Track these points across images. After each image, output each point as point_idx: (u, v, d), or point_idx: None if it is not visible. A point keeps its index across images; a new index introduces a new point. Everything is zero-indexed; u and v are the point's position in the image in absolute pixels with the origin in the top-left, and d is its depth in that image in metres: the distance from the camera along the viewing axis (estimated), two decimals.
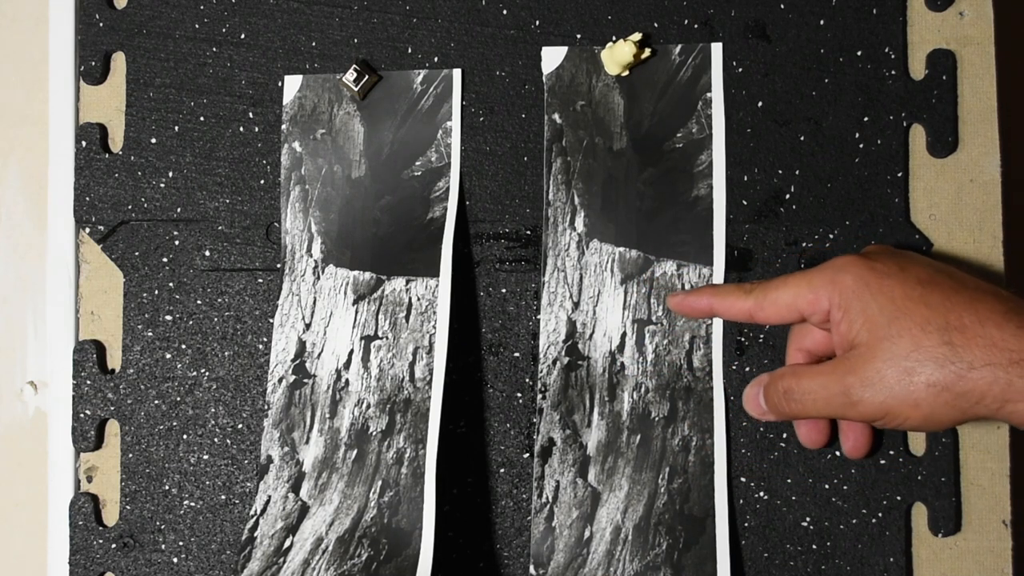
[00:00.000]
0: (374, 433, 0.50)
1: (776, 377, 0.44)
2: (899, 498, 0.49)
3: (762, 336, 0.50)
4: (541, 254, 0.51)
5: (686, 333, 0.50)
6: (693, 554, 0.48)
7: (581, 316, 0.50)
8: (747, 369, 0.50)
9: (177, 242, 0.53)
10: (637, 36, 0.50)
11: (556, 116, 0.52)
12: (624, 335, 0.50)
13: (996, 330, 0.38)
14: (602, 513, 0.49)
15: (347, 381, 0.50)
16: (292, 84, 0.53)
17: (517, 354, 0.51)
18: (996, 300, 0.39)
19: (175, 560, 0.51)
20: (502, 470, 0.51)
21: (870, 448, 0.47)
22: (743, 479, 0.49)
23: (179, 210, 0.53)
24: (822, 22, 0.51)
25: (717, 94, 0.51)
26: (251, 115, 0.53)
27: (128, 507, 0.52)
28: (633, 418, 0.49)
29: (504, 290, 0.51)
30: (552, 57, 0.52)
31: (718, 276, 0.50)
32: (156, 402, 0.52)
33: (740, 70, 0.51)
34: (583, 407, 0.50)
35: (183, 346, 0.52)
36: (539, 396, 0.50)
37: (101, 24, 0.54)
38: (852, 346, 0.41)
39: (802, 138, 0.51)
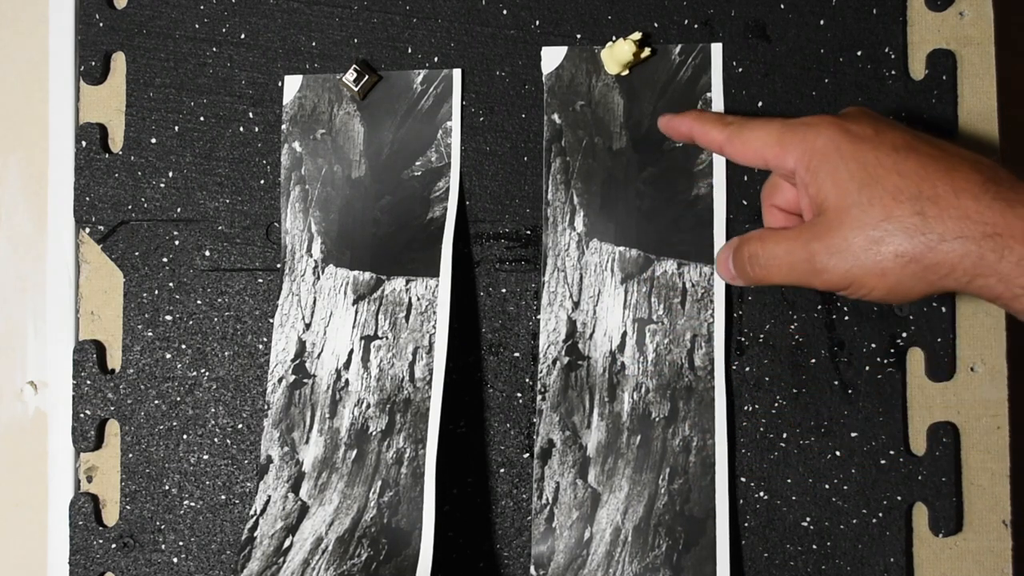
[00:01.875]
0: (374, 433, 0.50)
1: (744, 241, 0.43)
2: (899, 498, 0.49)
3: (762, 336, 0.50)
4: (541, 254, 0.51)
5: (687, 332, 0.50)
6: (693, 555, 0.48)
7: (581, 316, 0.50)
8: (747, 369, 0.50)
9: (177, 242, 0.53)
10: (637, 35, 0.50)
11: (556, 116, 0.52)
12: (624, 335, 0.50)
13: (971, 201, 0.37)
14: (602, 514, 0.49)
15: (347, 381, 0.50)
16: (292, 84, 0.53)
17: (517, 354, 0.51)
18: (973, 169, 0.38)
19: (175, 560, 0.51)
20: (502, 470, 0.51)
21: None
22: (743, 479, 0.49)
23: (179, 210, 0.53)
24: (822, 22, 0.51)
25: (717, 94, 0.51)
26: (251, 115, 0.53)
27: (128, 507, 0.52)
28: (633, 419, 0.49)
29: (504, 290, 0.51)
30: (552, 57, 0.52)
31: (718, 276, 0.50)
32: (156, 402, 0.52)
33: (740, 70, 0.51)
34: (583, 408, 0.50)
35: (183, 346, 0.52)
36: (539, 397, 0.50)
37: (101, 24, 0.54)
38: (820, 211, 0.39)
39: None
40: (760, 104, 0.51)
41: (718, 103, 0.51)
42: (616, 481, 0.49)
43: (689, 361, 0.50)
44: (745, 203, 0.51)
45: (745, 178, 0.51)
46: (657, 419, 0.49)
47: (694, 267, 0.50)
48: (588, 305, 0.50)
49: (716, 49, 0.51)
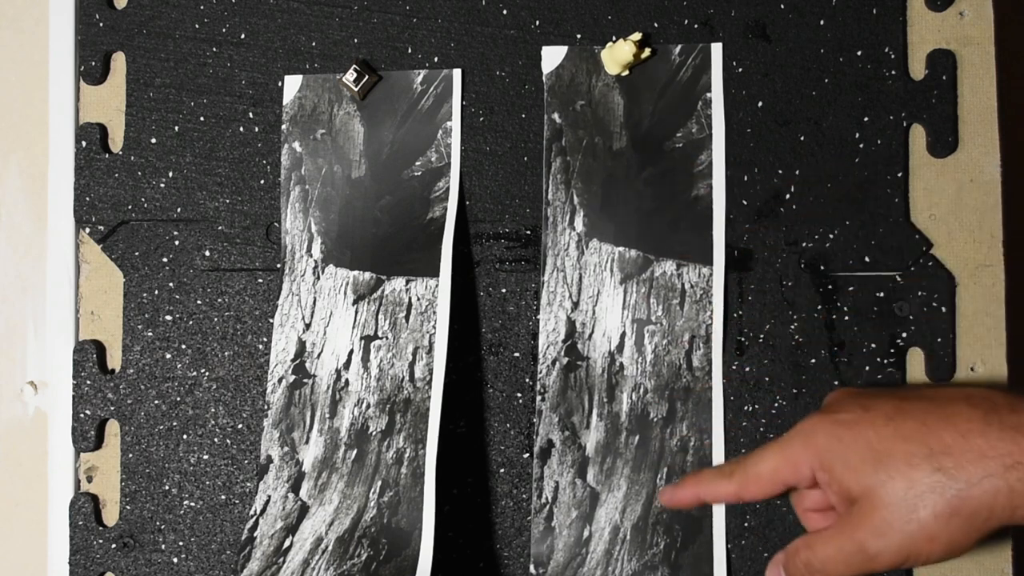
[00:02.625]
0: (374, 433, 0.50)
1: (792, 554, 0.42)
2: None
3: (762, 336, 0.50)
4: (540, 254, 0.51)
5: (686, 333, 0.50)
6: (690, 553, 0.48)
7: (580, 316, 0.50)
8: (747, 369, 0.50)
9: (177, 242, 0.53)
10: (637, 36, 0.50)
11: (556, 115, 0.52)
12: (623, 335, 0.50)
13: (981, 440, 0.37)
14: (601, 513, 0.49)
15: (347, 381, 0.50)
16: (292, 84, 0.53)
17: (517, 354, 0.51)
18: (971, 408, 0.38)
19: (175, 560, 0.51)
20: (502, 470, 0.51)
21: None
22: None
23: (179, 210, 0.53)
24: (822, 22, 0.51)
25: (717, 94, 0.51)
26: (251, 115, 0.53)
27: (128, 507, 0.52)
28: (632, 419, 0.49)
29: (504, 290, 0.51)
30: (552, 57, 0.52)
31: (718, 275, 0.50)
32: (156, 402, 0.52)
33: (740, 70, 0.51)
34: (582, 408, 0.50)
35: (183, 346, 0.52)
36: (538, 397, 0.50)
37: (101, 24, 0.54)
38: (850, 502, 0.40)
39: (802, 138, 0.51)
40: (760, 104, 0.51)
41: (718, 103, 0.51)
42: (615, 480, 0.49)
43: (687, 362, 0.50)
44: (745, 203, 0.51)
45: (745, 178, 0.51)
46: (655, 419, 0.49)
47: (693, 268, 0.50)
48: (587, 305, 0.50)
49: (716, 49, 0.51)
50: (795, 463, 0.41)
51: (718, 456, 0.49)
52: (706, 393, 0.49)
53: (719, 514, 0.48)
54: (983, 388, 0.40)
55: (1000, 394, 0.39)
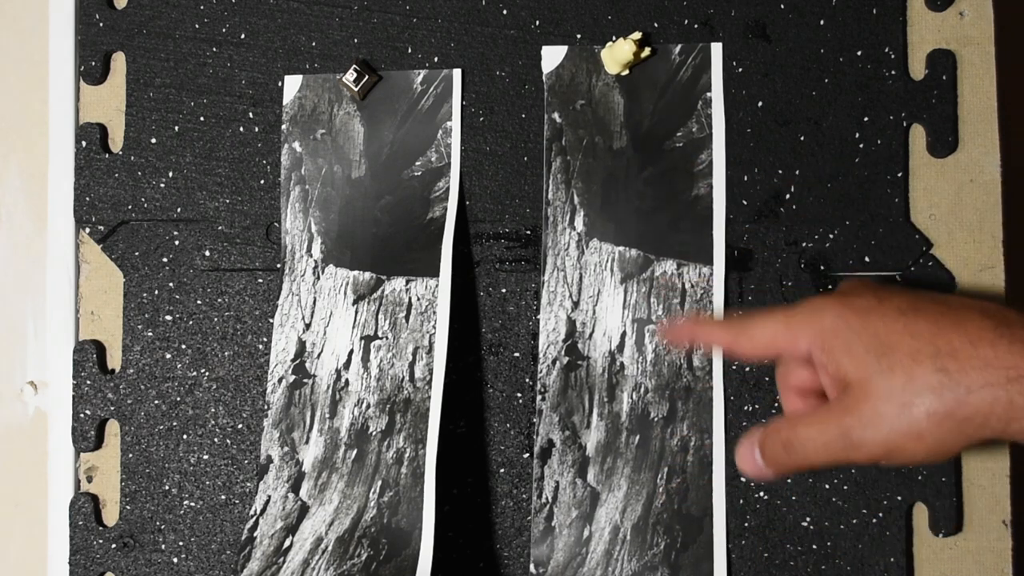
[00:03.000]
0: (374, 433, 0.50)
1: (771, 431, 0.42)
2: (899, 498, 0.49)
3: None
4: (541, 253, 0.51)
5: None
6: (690, 554, 0.48)
7: (581, 315, 0.50)
8: (747, 369, 0.50)
9: (177, 242, 0.53)
10: (637, 35, 0.50)
11: (556, 115, 0.52)
12: (624, 334, 0.50)
13: (989, 349, 0.37)
14: (601, 513, 0.49)
15: (347, 381, 0.50)
16: (292, 84, 0.53)
17: (517, 354, 0.51)
18: (984, 317, 0.38)
19: (175, 560, 0.51)
20: (502, 470, 0.51)
21: None
22: (743, 479, 0.49)
23: (179, 210, 0.53)
24: (822, 22, 0.51)
25: (717, 94, 0.51)
26: (251, 115, 0.53)
27: (128, 507, 0.52)
28: (632, 418, 0.49)
29: (504, 290, 0.51)
30: (552, 56, 0.52)
31: (718, 275, 0.50)
32: (156, 402, 0.52)
33: (740, 70, 0.51)
34: (582, 408, 0.50)
35: (183, 346, 0.52)
36: (538, 397, 0.50)
37: (101, 24, 0.54)
38: (844, 387, 0.40)
39: (802, 138, 0.51)
40: (760, 104, 0.51)
41: (718, 103, 0.51)
42: (615, 480, 0.49)
43: (688, 361, 0.50)
44: (745, 203, 0.51)
45: (745, 178, 0.51)
46: (656, 419, 0.49)
47: (693, 267, 0.50)
48: (588, 305, 0.50)
49: (716, 49, 0.51)
50: (795, 335, 0.41)
51: (719, 456, 0.49)
52: (707, 393, 0.49)
53: (719, 514, 0.48)
54: (997, 304, 0.39)
55: (1015, 312, 0.39)
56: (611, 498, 0.49)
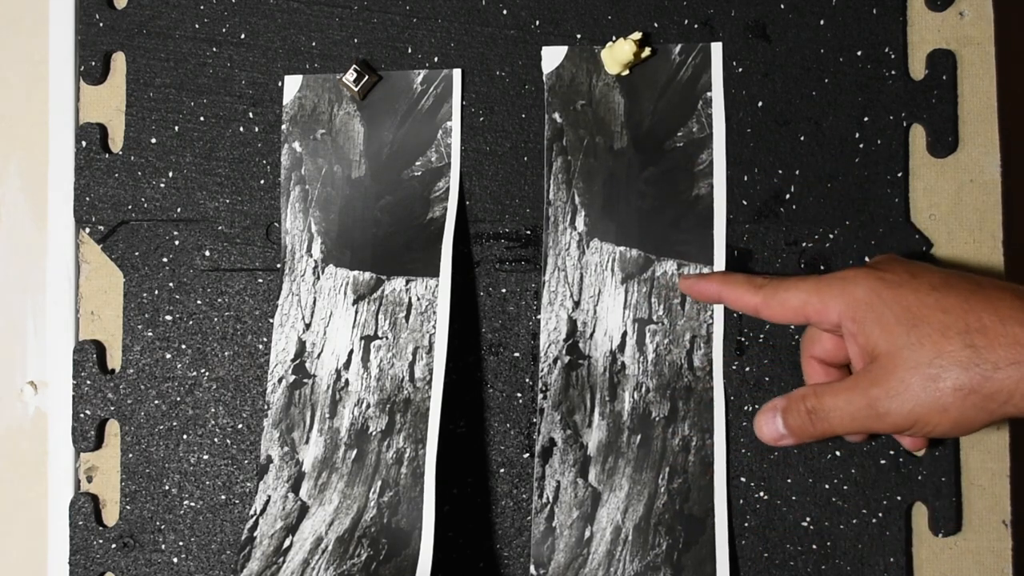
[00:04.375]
0: (374, 433, 0.50)
1: (796, 399, 0.43)
2: (899, 498, 0.49)
3: (762, 336, 0.50)
4: (542, 253, 0.51)
5: (687, 332, 0.50)
6: (693, 554, 0.48)
7: (582, 315, 0.50)
8: (747, 369, 0.50)
9: (177, 242, 0.53)
10: (637, 35, 0.50)
11: (556, 115, 0.52)
12: (625, 334, 0.50)
13: (1019, 327, 0.38)
14: (602, 513, 0.49)
15: (347, 381, 0.50)
16: (292, 84, 0.53)
17: (517, 354, 0.51)
18: (1015, 298, 0.39)
19: (175, 560, 0.51)
20: (502, 470, 0.51)
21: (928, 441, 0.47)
22: (743, 479, 0.49)
23: (179, 210, 0.53)
24: (822, 22, 0.51)
25: (717, 93, 0.51)
26: (251, 115, 0.53)
27: (128, 507, 0.52)
28: (634, 418, 0.49)
29: (504, 290, 0.51)
30: (552, 57, 0.52)
31: None
32: (156, 402, 0.52)
33: (740, 70, 0.51)
34: (584, 407, 0.50)
35: (183, 346, 0.52)
36: (540, 396, 0.50)
37: (101, 24, 0.54)
38: (872, 358, 0.40)
39: (802, 138, 0.51)
40: (760, 104, 0.51)
41: (718, 102, 0.51)
42: (616, 480, 0.49)
43: (689, 361, 0.50)
44: (745, 203, 0.51)
45: (745, 178, 0.51)
46: (657, 419, 0.49)
47: (694, 268, 0.50)
48: (589, 305, 0.50)
49: (716, 48, 0.51)
50: (826, 304, 0.42)
51: (720, 456, 0.49)
52: (707, 393, 0.49)
53: (721, 514, 0.48)
54: None
55: None
56: (612, 498, 0.49)
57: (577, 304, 0.50)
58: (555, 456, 0.49)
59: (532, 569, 0.49)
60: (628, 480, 0.49)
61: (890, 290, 0.40)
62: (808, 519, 0.49)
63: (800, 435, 0.43)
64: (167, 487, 0.52)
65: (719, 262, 0.50)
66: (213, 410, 0.52)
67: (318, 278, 0.52)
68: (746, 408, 0.50)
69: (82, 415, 0.52)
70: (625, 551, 0.48)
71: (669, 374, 0.50)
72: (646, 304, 0.50)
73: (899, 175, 0.50)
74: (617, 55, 0.50)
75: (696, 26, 0.52)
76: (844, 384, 0.41)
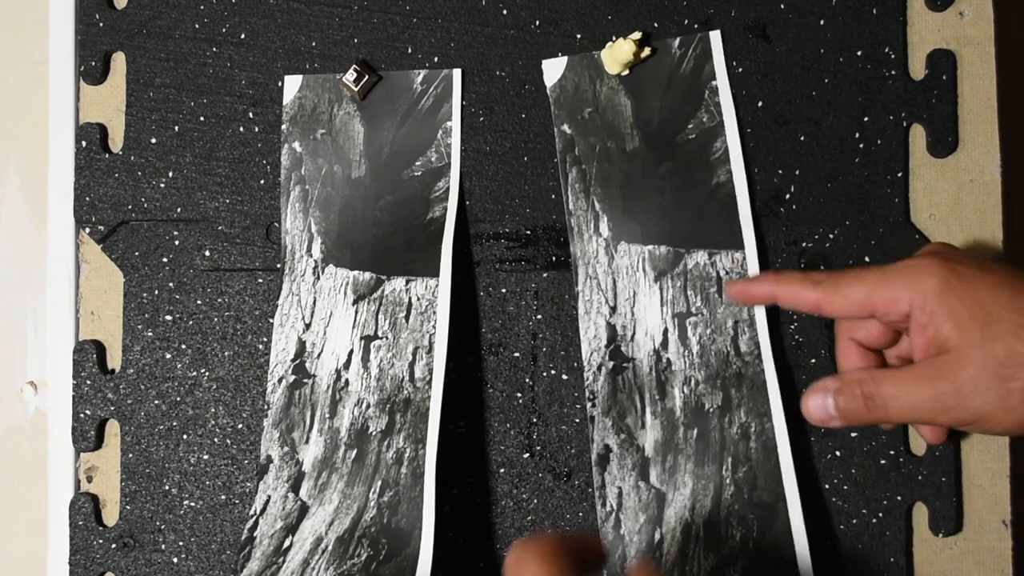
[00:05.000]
0: (374, 433, 0.49)
1: (852, 383, 0.42)
2: (899, 498, 0.49)
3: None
4: (572, 264, 0.50)
5: (728, 319, 0.49)
6: (769, 540, 0.47)
7: (620, 319, 0.50)
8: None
9: (177, 242, 0.53)
10: (637, 35, 0.50)
11: (565, 127, 0.51)
12: (666, 331, 0.49)
13: None
14: (670, 513, 0.48)
15: (347, 381, 0.50)
16: (292, 84, 0.53)
17: (517, 354, 0.51)
18: None
19: (175, 560, 0.51)
20: (502, 470, 0.51)
21: (949, 432, 0.47)
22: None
23: (179, 210, 0.53)
24: (822, 22, 0.51)
25: (722, 81, 0.51)
26: (251, 115, 0.53)
27: (128, 507, 0.52)
28: (687, 413, 0.49)
29: (504, 290, 0.51)
30: (553, 69, 0.52)
31: (751, 259, 0.49)
32: (156, 402, 0.52)
33: (740, 70, 0.51)
34: (635, 409, 0.49)
35: (183, 346, 0.52)
36: (588, 404, 0.49)
37: (101, 24, 0.54)
38: (940, 351, 0.40)
39: (802, 138, 0.51)
40: (760, 104, 0.51)
41: (724, 90, 0.51)
42: (679, 478, 0.48)
43: (735, 348, 0.49)
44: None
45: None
46: (711, 410, 0.49)
47: (725, 255, 0.49)
48: (625, 308, 0.50)
49: (715, 37, 0.51)
50: (895, 296, 0.41)
51: (782, 438, 0.48)
52: (759, 376, 0.48)
53: (793, 496, 0.47)
54: None
55: None
56: (678, 497, 0.48)
57: (614, 309, 0.50)
58: (612, 463, 0.49)
59: None
60: (691, 476, 0.48)
61: (963, 283, 0.40)
62: (808, 519, 0.49)
63: (851, 419, 0.42)
64: (167, 487, 0.52)
65: (750, 245, 0.49)
66: (213, 410, 0.52)
67: (318, 278, 0.52)
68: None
69: (82, 415, 0.52)
70: (699, 548, 0.47)
71: (717, 363, 0.49)
72: (683, 298, 0.49)
73: (899, 175, 0.50)
74: (617, 55, 0.50)
75: (696, 26, 0.52)
76: (907, 373, 0.41)
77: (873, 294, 0.41)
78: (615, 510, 0.48)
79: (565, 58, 0.52)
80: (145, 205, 0.53)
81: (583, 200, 0.51)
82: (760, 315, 0.49)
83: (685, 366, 0.49)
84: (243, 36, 0.53)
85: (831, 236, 0.50)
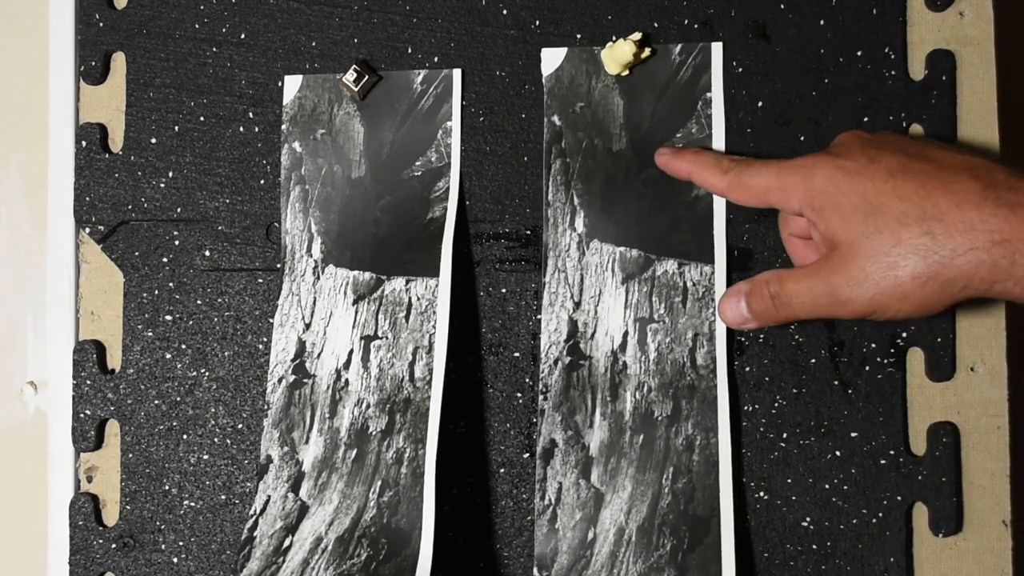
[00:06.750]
0: (374, 433, 0.50)
1: (760, 284, 0.44)
2: (899, 498, 0.49)
3: (762, 336, 0.50)
4: (542, 255, 0.51)
5: (689, 331, 0.50)
6: (698, 555, 0.48)
7: (582, 316, 0.50)
8: (747, 368, 0.50)
9: (177, 242, 0.53)
10: (637, 36, 0.50)
11: (555, 118, 0.52)
12: (626, 334, 0.50)
13: (975, 212, 0.38)
14: (605, 514, 0.49)
15: (347, 381, 0.50)
16: (292, 84, 0.53)
17: (517, 354, 0.51)
18: (971, 178, 0.39)
19: (175, 560, 0.51)
20: (502, 470, 0.51)
21: None
22: (744, 479, 0.49)
23: (179, 210, 0.53)
24: (822, 22, 0.51)
25: (717, 94, 0.51)
26: (251, 115, 0.53)
27: (128, 507, 0.52)
28: (636, 418, 0.49)
29: (504, 290, 0.51)
30: (552, 59, 0.52)
31: (720, 274, 0.50)
32: (156, 402, 0.52)
33: (740, 70, 0.51)
34: (585, 407, 0.50)
35: (183, 346, 0.52)
36: (540, 397, 0.50)
37: (101, 24, 0.54)
38: (832, 246, 0.41)
39: (802, 138, 0.51)
40: (760, 104, 0.51)
41: (718, 103, 0.51)
42: (619, 481, 0.49)
43: (691, 360, 0.50)
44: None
45: None
46: (660, 418, 0.49)
47: (695, 267, 0.50)
48: (589, 305, 0.50)
49: (716, 48, 0.51)
50: (787, 193, 0.43)
51: (725, 455, 0.49)
52: (711, 391, 0.49)
53: (727, 515, 0.48)
54: (988, 161, 0.40)
55: (1003, 170, 0.39)
56: (616, 499, 0.49)
57: (578, 305, 0.50)
58: (556, 457, 0.49)
59: (536, 572, 0.49)
60: (631, 481, 0.49)
61: (848, 178, 0.41)
62: (808, 519, 0.49)
63: (763, 319, 0.44)
64: (167, 487, 0.52)
65: (720, 260, 0.50)
66: (213, 410, 0.52)
67: (318, 278, 0.52)
68: (746, 408, 0.50)
69: (82, 415, 0.52)
70: (629, 552, 0.48)
71: (672, 373, 0.49)
72: (647, 303, 0.50)
73: None
74: (617, 55, 0.50)
75: (696, 26, 0.52)
76: (806, 271, 0.42)
77: (769, 188, 0.43)
78: (553, 504, 0.49)
79: (564, 49, 0.52)
80: (145, 205, 0.53)
81: (563, 193, 0.51)
82: (720, 331, 0.49)
83: (640, 371, 0.49)
84: (243, 36, 0.53)
85: None
